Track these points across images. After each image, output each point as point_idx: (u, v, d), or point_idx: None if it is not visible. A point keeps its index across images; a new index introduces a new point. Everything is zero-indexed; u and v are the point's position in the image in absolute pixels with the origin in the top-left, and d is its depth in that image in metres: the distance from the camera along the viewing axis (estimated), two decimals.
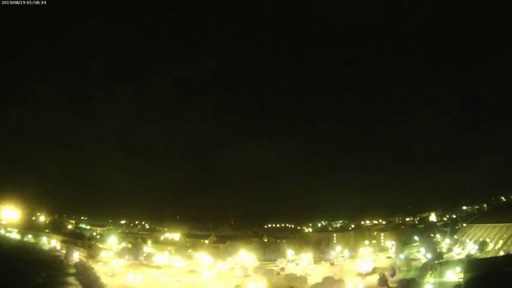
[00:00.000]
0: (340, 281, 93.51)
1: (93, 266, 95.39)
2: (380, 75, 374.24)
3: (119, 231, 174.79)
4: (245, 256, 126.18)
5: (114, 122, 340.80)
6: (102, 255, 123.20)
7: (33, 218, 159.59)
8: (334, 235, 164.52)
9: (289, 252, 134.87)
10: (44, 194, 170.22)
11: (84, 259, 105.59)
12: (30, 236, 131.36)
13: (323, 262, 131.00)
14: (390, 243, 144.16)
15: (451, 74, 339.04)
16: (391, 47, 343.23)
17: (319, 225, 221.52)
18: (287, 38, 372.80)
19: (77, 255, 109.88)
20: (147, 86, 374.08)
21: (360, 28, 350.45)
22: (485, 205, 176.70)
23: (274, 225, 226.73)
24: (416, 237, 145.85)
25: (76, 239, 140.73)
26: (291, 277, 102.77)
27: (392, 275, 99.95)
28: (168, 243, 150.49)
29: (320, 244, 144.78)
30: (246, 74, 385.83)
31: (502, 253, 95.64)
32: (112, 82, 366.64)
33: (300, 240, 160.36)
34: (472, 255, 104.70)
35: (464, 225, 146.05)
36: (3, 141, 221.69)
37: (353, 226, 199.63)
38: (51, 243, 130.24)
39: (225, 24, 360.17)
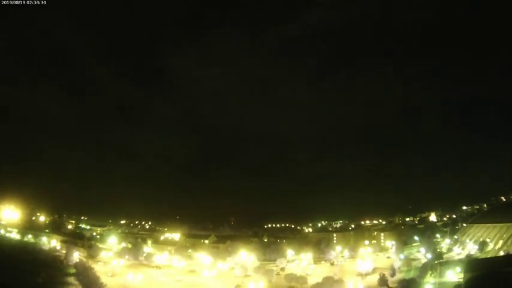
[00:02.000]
0: (340, 281, 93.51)
1: (93, 266, 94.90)
2: (379, 74, 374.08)
3: (119, 231, 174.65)
4: (245, 256, 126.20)
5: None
6: (102, 255, 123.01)
7: (33, 218, 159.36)
8: (334, 235, 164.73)
9: (289, 252, 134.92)
10: (44, 194, 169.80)
11: (84, 259, 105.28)
12: (30, 236, 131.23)
13: (323, 262, 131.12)
14: (390, 243, 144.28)
15: (450, 74, 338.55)
16: (391, 47, 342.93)
17: (319, 225, 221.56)
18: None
19: (77, 255, 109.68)
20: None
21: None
22: (485, 205, 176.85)
23: (274, 225, 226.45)
24: (416, 237, 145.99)
25: (76, 239, 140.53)
26: (291, 277, 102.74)
27: (392, 275, 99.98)
28: (168, 243, 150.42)
29: (320, 244, 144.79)
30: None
31: (502, 253, 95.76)
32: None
33: (300, 240, 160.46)
34: (472, 255, 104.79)
35: (464, 225, 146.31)
36: (3, 141, 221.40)
37: (353, 226, 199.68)
38: (51, 243, 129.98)
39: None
